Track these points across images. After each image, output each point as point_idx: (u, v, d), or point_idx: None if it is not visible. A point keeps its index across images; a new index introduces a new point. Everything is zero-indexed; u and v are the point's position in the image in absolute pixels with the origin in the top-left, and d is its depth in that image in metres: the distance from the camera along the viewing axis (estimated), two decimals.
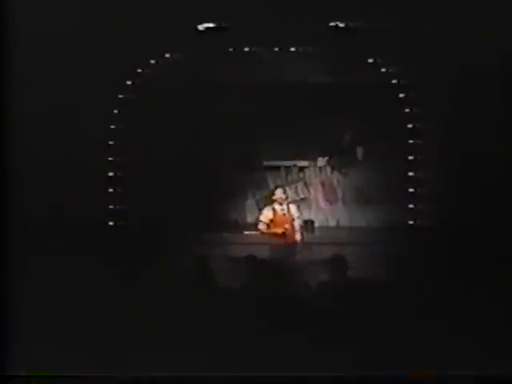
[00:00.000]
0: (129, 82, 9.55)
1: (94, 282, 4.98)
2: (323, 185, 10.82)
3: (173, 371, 4.13)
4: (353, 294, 4.67)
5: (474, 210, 7.88)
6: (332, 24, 8.92)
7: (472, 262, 5.47)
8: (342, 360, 4.14)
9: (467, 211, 7.99)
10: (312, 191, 10.79)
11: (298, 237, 7.99)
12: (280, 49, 9.69)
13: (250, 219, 10.27)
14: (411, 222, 9.81)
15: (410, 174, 9.82)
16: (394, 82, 9.78)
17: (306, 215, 9.98)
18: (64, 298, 4.71)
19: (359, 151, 10.65)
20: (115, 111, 9.49)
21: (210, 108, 9.87)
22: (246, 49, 9.69)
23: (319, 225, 10.28)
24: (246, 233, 9.42)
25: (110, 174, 9.47)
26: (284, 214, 7.94)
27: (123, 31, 8.31)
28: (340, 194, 10.78)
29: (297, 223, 8.11)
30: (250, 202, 10.61)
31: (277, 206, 7.98)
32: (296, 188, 10.70)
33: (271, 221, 7.93)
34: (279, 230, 7.85)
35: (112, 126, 9.47)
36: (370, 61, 9.72)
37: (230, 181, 10.31)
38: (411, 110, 9.71)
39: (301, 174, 10.79)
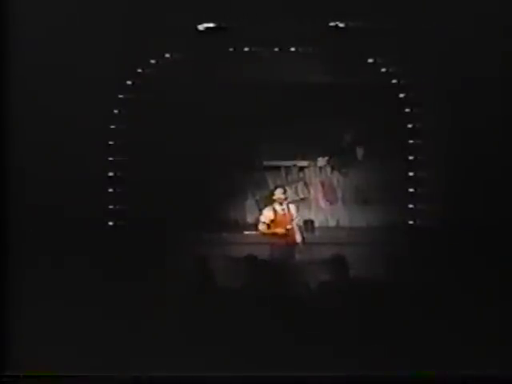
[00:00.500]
0: (129, 82, 9.55)
1: (93, 282, 4.98)
2: (323, 185, 10.82)
3: (173, 371, 4.12)
4: (353, 293, 4.67)
5: (475, 210, 7.88)
6: (332, 24, 8.92)
7: (472, 261, 5.47)
8: (342, 360, 4.14)
9: (467, 211, 7.98)
10: (312, 191, 10.79)
11: (298, 237, 7.98)
12: (280, 49, 9.68)
13: (250, 219, 10.27)
14: (411, 222, 9.81)
15: (410, 174, 9.82)
16: (394, 81, 9.78)
17: (306, 215, 10.00)
18: (64, 298, 4.71)
19: (359, 151, 10.65)
20: (115, 111, 9.48)
21: (210, 108, 9.86)
22: (246, 49, 9.69)
23: (319, 225, 10.29)
24: (246, 233, 9.43)
25: (110, 173, 9.47)
26: (284, 214, 7.93)
27: (123, 31, 8.30)
28: (340, 194, 10.78)
29: (297, 223, 8.10)
30: (250, 202, 10.61)
31: (277, 207, 7.97)
32: (296, 188, 10.71)
33: (272, 221, 7.92)
34: (280, 231, 7.84)
35: (112, 126, 9.47)
36: (370, 61, 9.72)
37: (230, 181, 10.30)
38: (411, 109, 9.71)
39: (301, 174, 10.79)
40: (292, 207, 8.12)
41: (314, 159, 10.77)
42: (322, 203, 10.78)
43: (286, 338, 4.25)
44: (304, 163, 10.77)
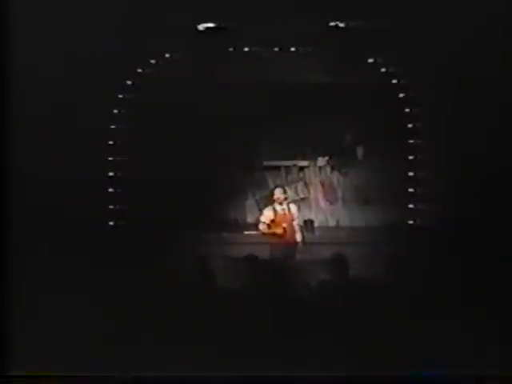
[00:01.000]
0: (129, 82, 9.56)
1: (93, 282, 4.98)
2: (323, 185, 10.82)
3: (173, 371, 4.13)
4: (353, 293, 4.67)
5: (474, 209, 7.88)
6: (332, 24, 8.93)
7: (472, 261, 5.47)
8: (342, 360, 4.14)
9: (467, 211, 7.98)
10: (312, 191, 10.80)
11: (298, 237, 7.98)
12: (280, 49, 9.70)
13: (250, 219, 10.28)
14: (411, 222, 9.82)
15: (410, 174, 9.83)
16: (394, 81, 9.79)
17: (306, 215, 10.00)
18: (64, 297, 4.71)
19: (359, 151, 10.65)
20: (115, 111, 9.50)
21: (210, 108, 9.87)
22: (246, 49, 9.70)
23: (319, 225, 10.29)
24: (247, 233, 9.43)
25: (110, 173, 9.48)
26: (285, 214, 7.93)
27: (123, 31, 8.31)
28: (340, 194, 10.78)
29: (297, 223, 8.10)
30: (250, 202, 10.62)
31: (277, 206, 7.97)
32: (296, 188, 10.71)
33: (272, 221, 7.91)
34: (280, 230, 7.84)
35: (112, 126, 9.48)
36: (370, 61, 9.73)
37: (230, 181, 10.30)
38: (411, 110, 9.72)
39: (301, 174, 10.80)
40: (293, 207, 8.12)
41: (314, 159, 10.78)
42: (322, 203, 10.78)
43: (286, 338, 4.25)
44: (304, 163, 10.77)
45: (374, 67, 9.73)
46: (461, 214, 8.06)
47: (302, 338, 4.28)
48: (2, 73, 5.67)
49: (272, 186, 10.06)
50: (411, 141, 9.78)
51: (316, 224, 10.11)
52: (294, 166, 10.76)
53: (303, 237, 8.11)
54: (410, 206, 9.85)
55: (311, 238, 8.79)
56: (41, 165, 7.65)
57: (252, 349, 4.21)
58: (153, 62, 9.61)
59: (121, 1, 8.01)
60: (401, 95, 9.77)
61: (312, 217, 10.25)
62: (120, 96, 9.49)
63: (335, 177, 10.79)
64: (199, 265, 5.14)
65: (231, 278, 5.07)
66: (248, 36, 9.33)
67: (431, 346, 4.22)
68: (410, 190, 9.84)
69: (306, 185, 10.80)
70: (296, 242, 7.94)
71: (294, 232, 7.94)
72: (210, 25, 8.96)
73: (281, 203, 7.96)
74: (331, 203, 10.77)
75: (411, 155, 9.79)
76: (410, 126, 9.76)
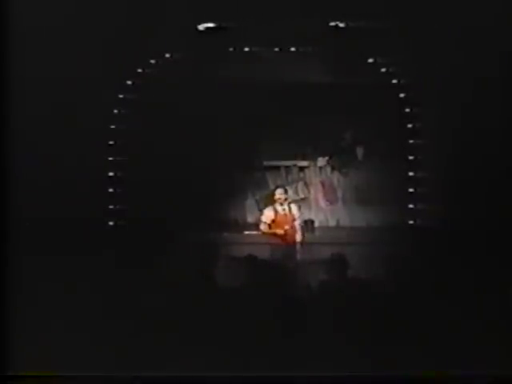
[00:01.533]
0: (129, 82, 9.56)
1: (93, 282, 4.98)
2: (323, 185, 10.82)
3: (173, 371, 4.12)
4: (353, 293, 4.67)
5: (475, 209, 7.88)
6: (332, 24, 8.93)
7: (472, 261, 5.47)
8: (342, 360, 4.14)
9: (467, 211, 7.98)
10: (312, 191, 10.80)
11: (298, 237, 7.98)
12: (280, 49, 9.70)
13: (250, 219, 10.28)
14: (411, 222, 9.82)
15: (410, 174, 9.83)
16: (394, 81, 9.79)
17: (306, 215, 9.99)
18: (64, 298, 4.71)
19: (359, 151, 10.65)
20: (115, 111, 9.49)
21: (210, 108, 9.87)
22: (246, 49, 9.70)
23: (319, 225, 10.29)
24: (247, 233, 9.43)
25: (110, 173, 9.48)
26: (285, 215, 7.93)
27: (123, 31, 8.31)
28: (340, 194, 10.78)
29: (298, 223, 8.10)
30: (250, 202, 10.61)
31: (278, 207, 7.97)
32: (296, 188, 10.71)
33: (273, 221, 7.91)
34: (281, 231, 7.84)
35: (112, 126, 9.48)
36: (370, 61, 9.73)
37: (230, 181, 10.30)
38: (411, 109, 9.72)
39: (301, 174, 10.79)
40: (293, 207, 8.12)
41: (314, 159, 10.78)
42: (322, 203, 10.78)
43: (286, 338, 4.25)
44: (304, 163, 10.77)
45: (374, 67, 9.73)
46: (461, 213, 8.06)
47: (302, 338, 4.28)
48: (2, 73, 5.67)
49: (272, 185, 10.06)
50: (411, 141, 9.78)
51: (316, 224, 10.11)
52: (294, 166, 10.75)
53: (303, 237, 8.11)
54: (410, 206, 9.86)
55: (311, 238, 8.79)
56: (41, 165, 7.65)
57: (252, 349, 4.21)
58: (153, 62, 9.61)
59: (121, 1, 8.01)
60: (401, 95, 9.77)
61: (312, 217, 10.25)
62: (120, 96, 9.50)
63: (335, 177, 10.79)
64: (199, 265, 5.14)
65: (231, 278, 5.06)
66: (248, 36, 9.33)
67: (431, 346, 4.22)
68: (410, 190, 9.84)
69: (306, 185, 10.80)
70: (296, 242, 7.94)
71: (294, 232, 7.95)
72: (210, 25, 8.96)
73: (282, 203, 7.96)
74: (331, 203, 10.77)
75: (411, 155, 9.79)
76: (409, 126, 9.76)
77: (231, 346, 4.24)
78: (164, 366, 4.15)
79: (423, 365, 4.14)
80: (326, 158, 10.75)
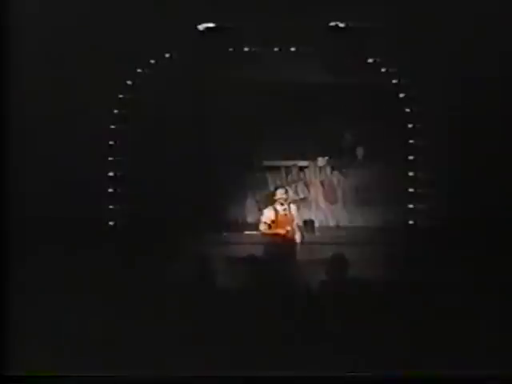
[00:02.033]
0: (129, 82, 9.56)
1: (93, 282, 4.98)
2: (323, 185, 10.82)
3: (173, 371, 4.13)
4: (353, 293, 4.67)
5: (475, 209, 7.89)
6: (332, 24, 8.93)
7: (472, 261, 5.47)
8: (342, 360, 4.14)
9: (467, 211, 7.99)
10: (312, 191, 10.79)
11: (298, 237, 7.97)
12: (280, 49, 9.70)
13: (250, 219, 10.27)
14: (411, 222, 9.82)
15: (410, 174, 9.83)
16: (394, 81, 9.79)
17: (306, 215, 9.99)
18: (64, 298, 4.71)
19: (359, 151, 10.65)
20: (115, 111, 9.50)
21: (210, 108, 9.87)
22: (246, 49, 9.70)
23: (319, 225, 10.29)
24: (247, 233, 9.42)
25: (110, 173, 9.49)
26: (286, 215, 7.92)
27: (124, 31, 8.31)
28: (340, 194, 10.78)
29: (298, 223, 8.10)
30: (250, 202, 10.61)
31: (278, 207, 7.96)
32: (296, 188, 10.71)
33: (273, 221, 7.91)
34: (281, 231, 7.83)
35: (112, 126, 9.48)
36: (370, 61, 9.73)
37: (230, 181, 10.30)
38: (411, 110, 9.72)
39: (301, 174, 10.79)
40: (293, 207, 8.11)
41: (314, 159, 10.77)
42: (322, 203, 10.78)
43: (286, 338, 4.25)
44: (304, 163, 10.76)
45: (374, 67, 9.73)
46: (461, 213, 8.06)
47: (302, 338, 4.28)
48: (3, 73, 5.67)
49: (272, 186, 10.06)
50: (411, 141, 9.78)
51: (316, 224, 10.11)
52: (294, 166, 10.75)
53: (303, 237, 8.10)
54: (410, 206, 9.86)
55: (311, 238, 8.79)
56: (41, 165, 7.65)
57: (252, 349, 4.21)
58: (153, 61, 9.61)
59: (121, 1, 8.02)
60: (401, 95, 9.77)
61: (312, 217, 10.25)
62: (120, 96, 9.50)
63: (335, 177, 10.79)
64: (199, 265, 5.14)
65: (231, 278, 5.07)
66: (248, 36, 9.34)
67: (431, 346, 4.23)
68: (410, 190, 9.84)
69: (306, 185, 10.80)
70: (296, 242, 7.93)
71: (294, 232, 7.94)
72: (210, 25, 8.96)
73: (282, 203, 7.96)
74: (331, 203, 10.77)
75: (411, 155, 9.79)
76: (410, 126, 9.77)
77: (231, 345, 4.25)
78: (164, 366, 4.16)
79: (423, 365, 4.14)
80: (326, 158, 10.74)
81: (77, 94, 8.07)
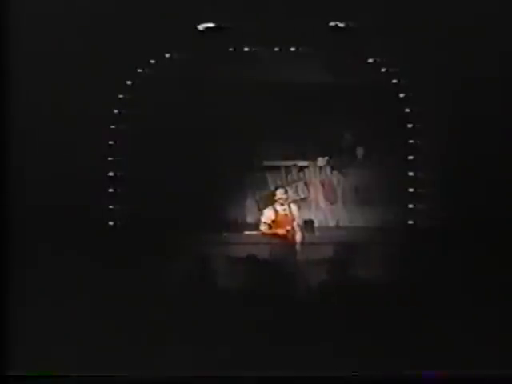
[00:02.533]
0: (129, 82, 9.56)
1: (94, 282, 4.98)
2: (323, 185, 10.82)
3: (172, 371, 4.13)
4: (353, 293, 4.67)
5: (475, 209, 7.88)
6: (332, 24, 8.93)
7: (472, 261, 5.47)
8: (342, 360, 4.14)
9: (467, 211, 7.99)
10: (312, 191, 10.79)
11: (298, 237, 7.98)
12: (280, 49, 9.70)
13: (250, 219, 10.27)
14: (411, 222, 9.82)
15: (410, 174, 9.83)
16: (394, 81, 9.79)
17: (306, 215, 9.99)
18: (64, 298, 4.71)
19: (359, 151, 10.65)
20: (115, 111, 9.50)
21: (210, 108, 9.86)
22: (246, 49, 9.70)
23: (319, 225, 10.28)
24: (247, 233, 9.42)
25: (110, 174, 9.48)
26: (286, 215, 7.93)
27: (123, 31, 8.31)
28: (340, 194, 10.78)
29: (298, 223, 8.10)
30: (250, 202, 10.61)
31: (278, 207, 7.97)
32: (296, 188, 10.70)
33: (273, 221, 7.91)
34: (282, 231, 7.84)
35: (112, 126, 9.48)
36: (370, 61, 9.73)
37: (230, 181, 10.30)
38: (411, 110, 9.72)
39: (301, 174, 10.79)
40: (293, 207, 8.12)
41: (314, 159, 10.77)
42: (322, 203, 10.78)
43: (286, 338, 4.25)
44: (304, 163, 10.76)
45: (374, 67, 9.73)
46: (461, 214, 8.06)
47: (302, 338, 4.28)
48: (2, 73, 5.67)
49: (272, 186, 10.06)
50: (411, 141, 9.78)
51: (316, 224, 10.10)
52: (294, 166, 10.75)
53: (303, 237, 8.10)
54: (410, 206, 9.85)
55: (311, 238, 8.78)
56: (41, 165, 7.65)
57: (252, 349, 4.21)
58: (153, 62, 9.61)
59: (121, 1, 8.01)
60: (401, 95, 9.77)
61: (312, 217, 10.24)
62: (120, 96, 9.50)
63: (335, 177, 10.79)
64: (199, 265, 5.14)
65: (231, 278, 5.07)
66: (248, 36, 9.33)
67: (431, 346, 4.23)
68: (410, 189, 9.84)
69: (306, 185, 10.80)
70: (296, 242, 7.94)
71: (294, 232, 7.94)
72: (210, 25, 8.96)
73: (282, 203, 7.96)
74: (331, 203, 10.77)
75: (411, 155, 9.79)
76: (409, 126, 9.76)
77: (231, 346, 4.25)
78: (164, 366, 4.16)
79: (423, 365, 4.14)
80: (326, 158, 10.74)
81: (77, 94, 8.07)
